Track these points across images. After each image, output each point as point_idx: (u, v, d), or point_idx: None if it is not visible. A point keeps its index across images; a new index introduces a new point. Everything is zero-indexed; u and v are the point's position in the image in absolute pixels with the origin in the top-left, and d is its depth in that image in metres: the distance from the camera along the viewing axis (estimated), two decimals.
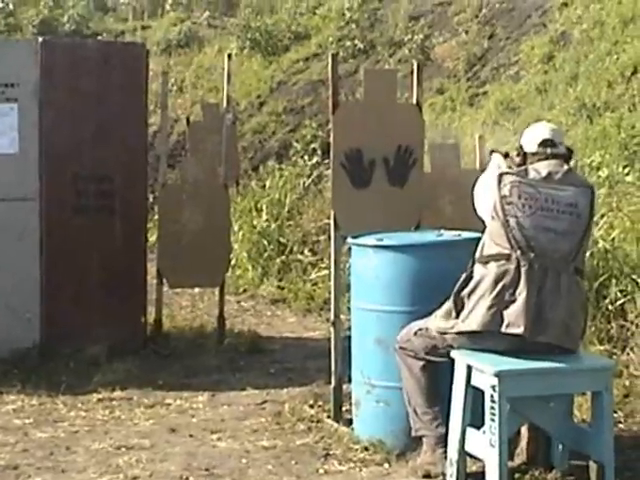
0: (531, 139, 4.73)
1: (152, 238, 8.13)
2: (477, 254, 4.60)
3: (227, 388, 6.26)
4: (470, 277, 4.59)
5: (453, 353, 4.52)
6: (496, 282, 4.45)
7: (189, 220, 7.12)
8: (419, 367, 4.73)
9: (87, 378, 6.27)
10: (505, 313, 4.42)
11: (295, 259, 9.33)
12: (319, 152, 11.61)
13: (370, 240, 5.07)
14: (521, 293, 4.42)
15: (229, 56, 7.55)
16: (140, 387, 6.18)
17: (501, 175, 4.58)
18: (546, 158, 4.64)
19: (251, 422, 5.56)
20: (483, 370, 4.31)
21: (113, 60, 6.85)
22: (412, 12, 13.91)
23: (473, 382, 4.38)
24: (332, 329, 5.52)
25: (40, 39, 6.79)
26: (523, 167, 4.63)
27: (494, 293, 4.45)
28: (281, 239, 9.59)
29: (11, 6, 15.71)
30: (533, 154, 4.67)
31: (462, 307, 4.57)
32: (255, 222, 9.79)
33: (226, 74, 7.39)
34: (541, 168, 4.60)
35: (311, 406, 5.68)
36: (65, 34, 15.50)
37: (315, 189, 10.54)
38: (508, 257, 4.47)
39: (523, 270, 4.44)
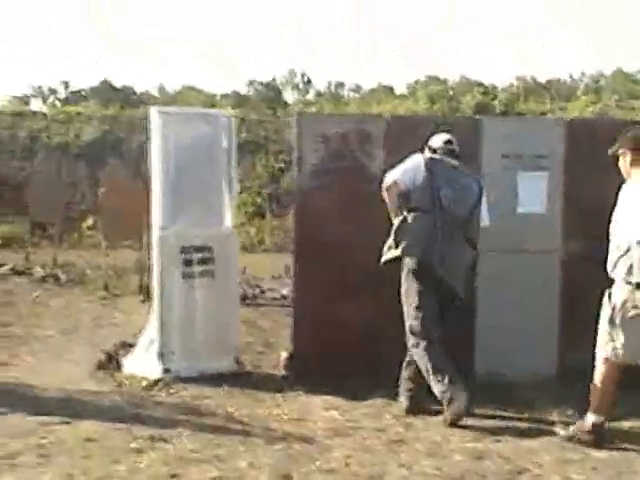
0: (437, 140, 6.87)
1: None
2: (405, 206, 6.59)
3: None
4: (404, 219, 6.62)
5: None
6: (425, 228, 6.57)
7: None
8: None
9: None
10: (432, 250, 6.54)
11: None
12: None
13: None
14: (437, 238, 6.54)
15: None
16: None
17: (429, 159, 6.68)
18: (448, 153, 6.76)
19: None
20: None
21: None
22: None
23: None
24: None
25: (567, 118, 8.03)
26: (440, 157, 6.74)
27: (425, 235, 6.56)
28: None
29: (450, 92, 17.59)
30: (439, 148, 6.79)
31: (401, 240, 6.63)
32: None
33: None
34: (448, 159, 6.76)
35: None
36: (498, 114, 17.06)
37: None
38: (429, 212, 6.57)
39: (438, 224, 6.57)
